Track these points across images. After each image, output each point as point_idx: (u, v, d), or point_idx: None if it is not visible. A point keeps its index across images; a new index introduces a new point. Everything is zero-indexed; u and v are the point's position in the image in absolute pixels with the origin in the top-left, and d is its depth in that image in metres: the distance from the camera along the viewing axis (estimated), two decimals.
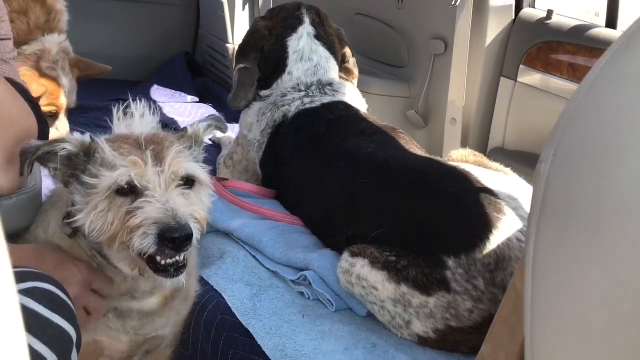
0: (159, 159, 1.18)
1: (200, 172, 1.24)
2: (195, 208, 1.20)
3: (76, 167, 1.21)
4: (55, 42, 2.16)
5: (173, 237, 1.11)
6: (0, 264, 0.43)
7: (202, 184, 1.25)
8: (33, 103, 1.40)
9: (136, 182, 1.15)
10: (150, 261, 1.18)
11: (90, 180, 1.16)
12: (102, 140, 1.19)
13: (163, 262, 1.17)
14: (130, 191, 1.16)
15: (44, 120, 1.41)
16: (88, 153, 1.21)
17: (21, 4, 2.12)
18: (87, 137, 1.23)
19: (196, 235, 1.17)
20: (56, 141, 1.22)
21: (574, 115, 0.85)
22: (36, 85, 2.05)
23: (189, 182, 1.22)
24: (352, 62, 2.20)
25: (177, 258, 1.17)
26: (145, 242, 1.12)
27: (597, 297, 0.79)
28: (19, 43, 2.12)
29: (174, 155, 1.19)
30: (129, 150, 1.18)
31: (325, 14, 2.21)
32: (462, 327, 1.47)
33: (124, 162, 1.16)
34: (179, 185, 1.19)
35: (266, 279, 1.70)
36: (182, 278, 1.20)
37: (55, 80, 2.11)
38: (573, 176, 0.83)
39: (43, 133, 1.36)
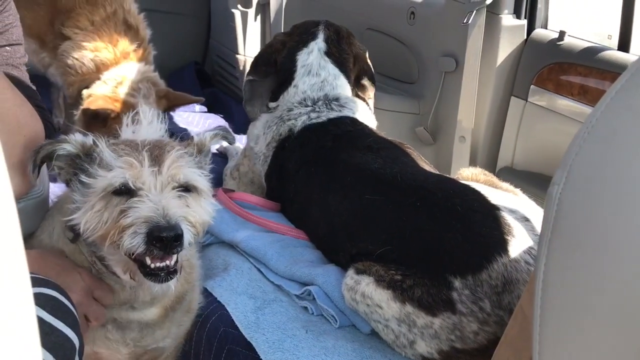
0: (157, 161, 1.18)
1: (200, 179, 1.23)
2: (190, 211, 1.18)
3: (78, 167, 1.22)
4: (139, 71, 2.34)
5: (161, 236, 1.09)
6: (19, 270, 0.43)
7: (201, 193, 1.24)
8: (40, 107, 1.41)
9: (130, 183, 1.14)
10: (141, 265, 1.16)
11: (87, 180, 1.17)
12: (101, 142, 1.20)
13: (153, 266, 1.15)
14: (126, 192, 1.15)
15: (52, 125, 1.42)
16: (88, 154, 1.22)
17: (112, 35, 2.23)
18: (88, 139, 1.23)
19: (188, 237, 1.14)
20: (57, 141, 1.23)
21: (587, 138, 0.84)
22: (108, 104, 2.16)
23: (187, 189, 1.21)
24: (367, 80, 2.20)
25: (168, 262, 1.15)
26: (134, 241, 1.10)
27: (608, 321, 0.78)
28: (103, 69, 2.22)
29: (173, 159, 1.19)
30: (126, 152, 1.18)
31: (349, 32, 2.22)
32: (467, 349, 1.45)
33: (119, 163, 1.16)
34: (175, 189, 1.18)
35: (270, 292, 1.69)
36: (171, 284, 1.18)
37: (132, 106, 2.16)
38: (585, 199, 0.82)
39: (49, 138, 1.37)
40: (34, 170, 1.28)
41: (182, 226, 1.12)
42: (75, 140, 1.22)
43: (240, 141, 2.78)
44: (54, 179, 1.44)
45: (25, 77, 1.45)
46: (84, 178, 1.17)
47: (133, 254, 1.14)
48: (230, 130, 3.13)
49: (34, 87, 1.46)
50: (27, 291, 0.43)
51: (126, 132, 1.27)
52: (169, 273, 1.16)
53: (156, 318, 1.35)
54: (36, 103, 1.40)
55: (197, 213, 1.20)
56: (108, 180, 1.15)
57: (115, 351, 1.34)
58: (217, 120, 3.16)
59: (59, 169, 1.24)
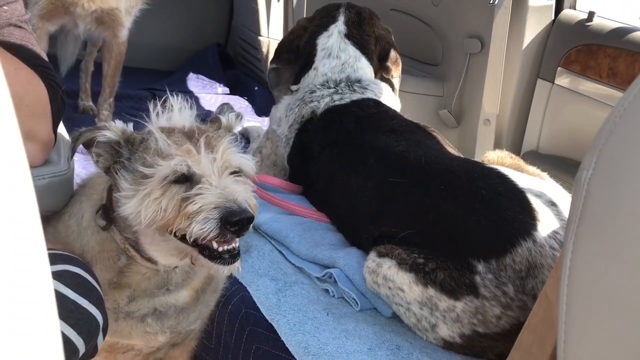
0: (210, 147, 1.19)
1: (248, 164, 1.25)
2: (250, 194, 1.21)
3: (120, 154, 1.22)
4: None
5: (236, 220, 1.12)
6: (36, 246, 0.43)
7: (249, 176, 1.26)
8: (42, 67, 1.35)
9: (193, 169, 1.16)
10: (204, 249, 1.19)
11: (144, 169, 1.17)
12: (157, 129, 1.20)
13: (220, 249, 1.18)
14: (185, 179, 1.17)
15: (57, 84, 1.36)
16: (129, 141, 1.22)
17: None
18: (128, 126, 1.24)
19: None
20: (97, 128, 1.23)
21: (618, 122, 0.82)
22: None
23: (238, 173, 1.23)
24: (390, 61, 2.18)
25: (234, 245, 1.18)
26: (206, 226, 1.13)
27: (635, 309, 0.76)
28: None
29: (226, 145, 1.21)
30: (181, 140, 1.19)
31: (372, 13, 2.19)
32: (489, 333, 1.44)
33: (178, 151, 1.17)
34: (232, 174, 1.21)
35: (291, 274, 1.69)
36: (237, 264, 1.21)
37: None
38: (615, 186, 0.80)
39: (55, 99, 1.32)
40: (72, 155, 1.29)
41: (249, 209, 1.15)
42: (115, 127, 1.22)
43: (263, 123, 2.78)
44: None
45: (28, 35, 1.38)
46: (140, 167, 1.17)
47: (203, 240, 1.16)
48: (253, 111, 3.13)
49: (36, 47, 1.39)
50: (44, 261, 0.43)
51: (160, 119, 1.26)
52: (234, 255, 1.19)
53: (189, 300, 1.37)
54: (39, 63, 1.34)
55: (252, 195, 1.22)
56: (171, 168, 1.15)
57: (152, 341, 1.36)
58: (240, 102, 3.16)
59: (97, 156, 1.23)
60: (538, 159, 2.31)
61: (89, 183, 1.39)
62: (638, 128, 0.80)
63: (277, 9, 3.28)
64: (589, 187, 0.82)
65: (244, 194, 1.18)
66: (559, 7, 2.36)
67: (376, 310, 1.59)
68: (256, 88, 3.28)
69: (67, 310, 1.07)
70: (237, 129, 1.41)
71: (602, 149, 0.82)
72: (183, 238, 1.18)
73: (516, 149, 2.44)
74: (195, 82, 3.37)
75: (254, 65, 3.45)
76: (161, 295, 1.33)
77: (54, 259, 1.14)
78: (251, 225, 1.16)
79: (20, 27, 1.35)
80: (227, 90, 3.34)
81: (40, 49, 1.41)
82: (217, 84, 3.36)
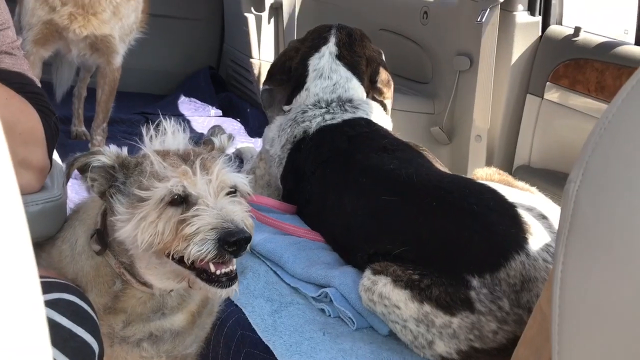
0: (206, 169, 1.20)
1: (243, 182, 1.26)
2: (246, 214, 1.21)
3: (115, 178, 1.22)
4: None
5: (233, 240, 1.12)
6: (28, 275, 0.43)
7: (245, 195, 1.26)
8: (35, 94, 1.34)
9: (190, 191, 1.16)
10: (202, 272, 1.18)
11: (140, 192, 1.17)
12: (152, 152, 1.20)
13: (218, 272, 1.17)
14: (181, 201, 1.17)
15: (50, 110, 1.36)
16: (124, 165, 1.22)
17: None
18: (123, 150, 1.24)
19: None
20: (92, 153, 1.24)
21: (603, 134, 0.83)
22: None
23: (234, 193, 1.24)
24: (382, 82, 2.20)
25: (231, 267, 1.18)
26: (204, 247, 1.13)
27: (627, 319, 0.77)
28: None
29: (220, 166, 1.22)
30: (176, 162, 1.20)
31: (363, 35, 2.22)
32: (486, 349, 1.44)
33: (174, 173, 1.17)
34: (228, 194, 1.21)
35: (287, 295, 1.69)
36: (235, 287, 1.21)
37: None
38: (602, 196, 0.81)
39: (48, 125, 1.33)
40: (67, 181, 1.29)
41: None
42: (110, 152, 1.23)
43: (256, 144, 2.79)
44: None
45: (20, 61, 1.38)
46: (135, 190, 1.17)
47: (201, 261, 1.15)
48: (246, 132, 3.14)
49: (28, 73, 1.39)
50: (36, 290, 0.43)
51: (154, 143, 1.27)
52: (231, 278, 1.19)
53: (185, 324, 1.36)
54: (32, 90, 1.34)
55: (248, 215, 1.23)
56: (167, 190, 1.15)
57: None
58: (232, 124, 3.18)
59: (91, 181, 1.23)
60: (530, 173, 2.33)
61: (82, 208, 1.39)
62: (623, 139, 0.81)
63: (268, 31, 3.31)
64: (577, 199, 0.83)
65: (240, 214, 1.18)
66: (545, 23, 2.39)
67: (373, 329, 1.59)
68: (248, 110, 3.30)
69: (62, 339, 1.06)
70: (230, 149, 1.42)
71: (588, 161, 0.83)
72: (180, 261, 1.18)
73: (508, 164, 2.45)
74: (188, 105, 3.39)
75: (245, 87, 3.47)
76: (157, 320, 1.33)
77: (48, 287, 1.14)
78: (249, 245, 1.16)
79: (11, 54, 1.35)
80: (219, 112, 3.36)
81: (33, 75, 1.42)
82: (210, 106, 3.38)
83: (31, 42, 2.41)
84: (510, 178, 1.84)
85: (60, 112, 2.35)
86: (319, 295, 1.66)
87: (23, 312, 0.42)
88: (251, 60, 3.33)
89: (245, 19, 3.30)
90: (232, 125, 3.16)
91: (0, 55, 1.34)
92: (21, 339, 0.42)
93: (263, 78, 2.35)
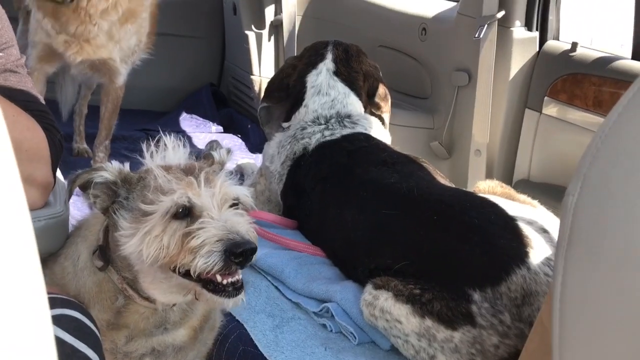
0: (209, 182, 1.21)
1: (245, 194, 1.26)
2: (250, 225, 1.22)
3: (117, 194, 1.22)
4: None
5: (240, 251, 1.13)
6: (36, 290, 0.43)
7: (245, 206, 1.27)
8: (41, 112, 1.36)
9: (194, 201, 1.16)
10: (208, 283, 1.19)
11: (145, 206, 1.17)
12: (156, 166, 1.21)
13: (224, 282, 1.18)
14: (185, 214, 1.17)
15: (54, 127, 1.38)
16: (126, 181, 1.23)
17: None
18: (125, 166, 1.25)
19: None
20: (94, 169, 1.24)
21: (600, 147, 0.84)
22: None
23: (236, 204, 1.24)
24: (379, 97, 2.21)
25: (238, 277, 1.19)
26: (210, 259, 1.13)
27: (627, 330, 0.77)
28: None
29: (223, 179, 1.23)
30: (180, 176, 1.20)
31: (359, 50, 2.24)
32: None
33: (179, 185, 1.18)
34: (231, 206, 1.22)
35: (288, 310, 1.69)
36: (242, 297, 1.21)
37: None
38: (600, 209, 0.82)
39: (53, 142, 1.34)
40: (69, 198, 1.30)
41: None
42: (112, 168, 1.24)
43: (257, 160, 2.81)
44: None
45: (24, 79, 1.39)
46: (141, 205, 1.18)
47: (208, 273, 1.16)
48: (247, 148, 3.15)
49: (33, 90, 1.40)
50: (44, 306, 0.44)
51: (155, 158, 1.28)
52: (237, 288, 1.19)
53: (187, 339, 1.36)
54: (37, 107, 1.36)
55: (252, 227, 1.23)
56: (172, 202, 1.16)
57: None
58: (233, 140, 3.19)
59: (94, 197, 1.24)
60: (530, 187, 2.33)
61: (84, 224, 1.39)
62: (620, 151, 0.82)
63: (268, 48, 3.34)
64: (575, 211, 0.83)
65: (245, 226, 1.19)
66: (543, 39, 2.41)
67: (374, 344, 1.59)
68: (249, 126, 3.32)
69: (64, 355, 1.07)
70: (230, 164, 1.43)
71: (586, 174, 0.84)
72: (186, 274, 1.18)
73: (508, 178, 2.46)
74: (190, 122, 3.41)
75: (246, 103, 3.49)
76: (159, 335, 1.33)
77: (51, 303, 1.13)
78: (254, 256, 1.17)
79: (16, 71, 1.37)
80: (220, 129, 3.38)
81: (37, 92, 1.43)
82: (211, 123, 3.40)
83: (35, 59, 2.44)
84: (512, 191, 1.85)
85: (62, 129, 2.37)
86: (321, 311, 1.66)
87: (31, 327, 0.43)
88: (252, 77, 3.36)
89: (246, 36, 3.33)
90: (233, 141, 3.18)
91: (5, 73, 1.35)
92: (29, 354, 0.42)
93: (263, 94, 2.36)
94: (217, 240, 1.14)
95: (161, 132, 1.28)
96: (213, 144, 1.38)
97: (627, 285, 0.77)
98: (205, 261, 1.13)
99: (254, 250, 1.15)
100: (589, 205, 0.83)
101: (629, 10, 2.13)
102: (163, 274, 1.20)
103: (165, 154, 1.27)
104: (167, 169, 1.23)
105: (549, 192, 2.25)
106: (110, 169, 1.23)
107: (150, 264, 1.18)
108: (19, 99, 1.32)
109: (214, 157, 1.34)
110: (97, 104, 2.75)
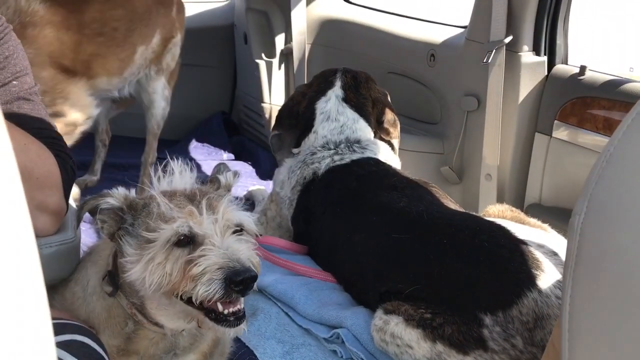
0: (212, 208, 1.21)
1: (248, 220, 1.27)
2: (252, 252, 1.22)
3: (124, 220, 1.24)
4: None
5: (240, 279, 1.13)
6: (40, 316, 0.44)
7: (251, 233, 1.27)
8: (52, 138, 1.38)
9: (195, 230, 1.17)
10: (210, 312, 1.19)
11: (147, 234, 1.18)
12: (158, 194, 1.22)
13: (226, 311, 1.18)
14: (187, 241, 1.18)
15: (66, 154, 1.39)
16: (132, 207, 1.24)
17: None
18: (131, 192, 1.26)
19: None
20: (101, 195, 1.26)
21: (605, 167, 0.84)
22: None
23: (240, 231, 1.25)
24: (388, 122, 2.23)
25: (239, 306, 1.19)
26: (211, 287, 1.13)
27: (634, 351, 0.76)
28: None
29: (226, 205, 1.23)
30: (182, 203, 1.21)
31: (368, 77, 2.27)
32: None
33: (181, 213, 1.18)
34: (234, 232, 1.22)
35: (298, 336, 1.68)
36: (243, 326, 1.21)
37: None
38: (606, 228, 0.81)
39: (65, 170, 1.35)
40: (78, 224, 1.31)
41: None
42: (118, 194, 1.25)
43: (267, 187, 2.82)
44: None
45: (37, 107, 1.41)
46: (143, 232, 1.19)
47: (209, 301, 1.16)
48: (257, 175, 3.16)
49: (46, 117, 1.42)
50: (48, 332, 0.44)
51: (161, 183, 1.29)
52: (238, 318, 1.19)
53: None
54: (49, 134, 1.38)
55: (254, 254, 1.24)
56: (173, 231, 1.17)
57: None
58: (245, 167, 3.21)
59: (101, 223, 1.25)
60: (541, 211, 2.32)
61: (95, 250, 1.41)
62: (625, 171, 0.82)
63: (279, 76, 3.38)
64: (582, 231, 0.83)
65: (246, 253, 1.19)
66: (551, 63, 2.42)
67: None
68: (260, 152, 3.34)
69: None
70: (242, 192, 1.43)
71: (592, 194, 0.84)
72: (189, 301, 1.18)
73: (519, 203, 2.45)
74: (201, 150, 3.44)
75: (257, 130, 3.52)
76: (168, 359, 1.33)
77: (62, 328, 1.14)
78: (255, 284, 1.17)
79: (29, 99, 1.39)
80: (232, 156, 3.40)
81: (50, 119, 1.46)
82: (223, 151, 3.43)
83: None
84: (522, 215, 1.84)
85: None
86: (331, 336, 1.64)
87: (35, 353, 0.43)
88: (262, 104, 3.39)
89: (257, 64, 3.37)
90: (244, 168, 3.20)
91: (19, 101, 1.38)
92: None
93: (274, 121, 2.39)
94: (218, 268, 1.14)
95: (168, 156, 1.29)
96: (220, 167, 1.39)
97: (634, 303, 0.76)
98: (206, 289, 1.13)
99: (254, 278, 1.14)
100: (595, 224, 0.82)
101: (638, 33, 2.14)
102: (167, 300, 1.21)
103: (172, 178, 1.28)
104: (172, 194, 1.24)
105: (561, 216, 2.24)
106: (116, 195, 1.25)
107: (153, 291, 1.18)
108: (32, 126, 1.34)
109: (220, 180, 1.35)
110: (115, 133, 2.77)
